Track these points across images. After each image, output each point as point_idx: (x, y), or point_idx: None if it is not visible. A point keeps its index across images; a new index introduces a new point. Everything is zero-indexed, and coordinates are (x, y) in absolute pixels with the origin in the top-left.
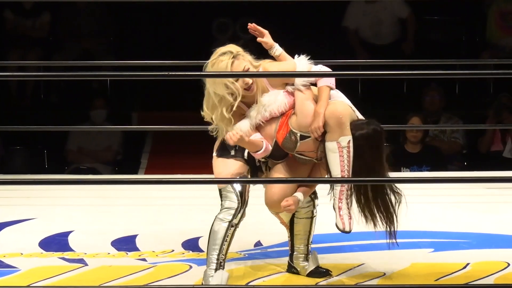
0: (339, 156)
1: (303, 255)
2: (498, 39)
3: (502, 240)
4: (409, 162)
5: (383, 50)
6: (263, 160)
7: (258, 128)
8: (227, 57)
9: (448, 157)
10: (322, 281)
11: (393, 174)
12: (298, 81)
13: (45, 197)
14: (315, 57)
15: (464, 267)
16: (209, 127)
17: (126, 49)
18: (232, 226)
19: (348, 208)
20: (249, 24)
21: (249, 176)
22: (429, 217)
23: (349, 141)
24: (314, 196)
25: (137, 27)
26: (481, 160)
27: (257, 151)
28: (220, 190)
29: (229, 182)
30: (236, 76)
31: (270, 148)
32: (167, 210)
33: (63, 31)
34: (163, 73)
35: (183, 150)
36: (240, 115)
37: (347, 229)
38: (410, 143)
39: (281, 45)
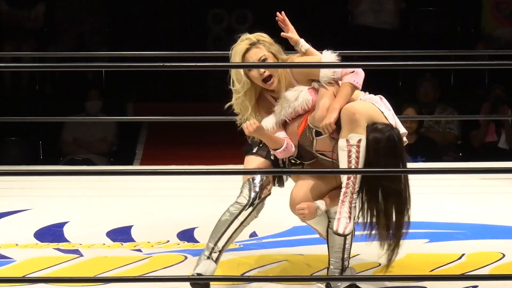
0: (347, 154)
1: (338, 270)
2: (493, 29)
3: (497, 231)
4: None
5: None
6: (293, 161)
7: (284, 126)
8: (245, 43)
9: (443, 148)
10: (318, 272)
11: None
12: (322, 77)
13: (40, 188)
14: (311, 46)
15: (459, 258)
16: (236, 118)
17: (121, 40)
18: (238, 220)
19: (350, 212)
20: (278, 13)
21: (271, 177)
22: (424, 207)
23: (360, 140)
24: None
25: (132, 18)
26: (476, 150)
27: (277, 149)
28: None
29: (222, 173)
30: (233, 67)
31: (293, 148)
32: (162, 201)
33: (58, 22)
34: (158, 64)
35: (178, 141)
36: (268, 110)
37: (340, 231)
38: None
39: (275, 37)
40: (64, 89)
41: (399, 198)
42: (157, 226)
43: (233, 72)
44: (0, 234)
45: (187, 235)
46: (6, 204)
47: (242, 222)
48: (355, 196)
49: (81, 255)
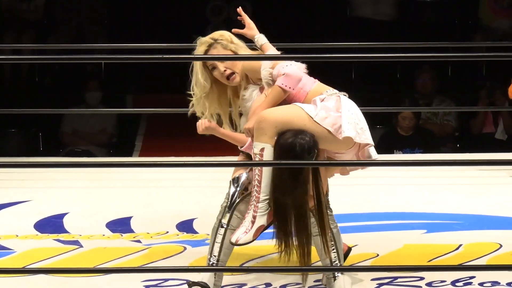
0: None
1: (331, 276)
2: (490, 21)
3: (494, 222)
4: (402, 144)
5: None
6: None
7: None
8: (203, 47)
9: (440, 139)
10: (316, 263)
11: (385, 157)
12: (263, 79)
13: (40, 179)
14: (310, 38)
15: (457, 248)
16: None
17: (121, 32)
18: (222, 226)
19: (252, 222)
20: (238, 10)
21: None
22: (422, 198)
23: (263, 149)
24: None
25: (131, 10)
26: (474, 142)
27: (242, 146)
28: None
29: (221, 165)
30: (224, 58)
31: None
32: (161, 192)
33: (57, 13)
34: (157, 56)
35: (177, 133)
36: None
37: (232, 240)
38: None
39: (274, 28)
40: (64, 81)
41: (298, 212)
42: (156, 217)
43: (193, 76)
44: (0, 225)
45: (186, 226)
46: (6, 195)
47: (227, 227)
48: (260, 205)
49: (81, 246)
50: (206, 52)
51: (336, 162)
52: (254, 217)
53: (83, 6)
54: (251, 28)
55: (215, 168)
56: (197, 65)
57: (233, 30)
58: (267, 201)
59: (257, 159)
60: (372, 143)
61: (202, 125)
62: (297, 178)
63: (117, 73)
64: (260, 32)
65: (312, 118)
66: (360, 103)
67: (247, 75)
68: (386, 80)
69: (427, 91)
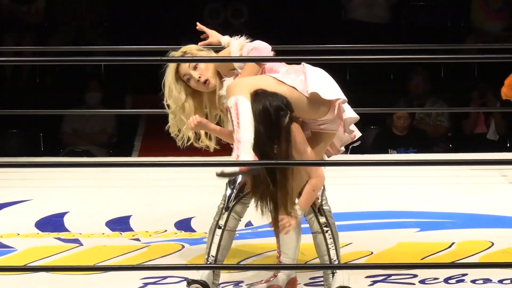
0: (230, 119)
1: (330, 273)
2: (482, 23)
3: (486, 220)
4: (396, 144)
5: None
6: None
7: None
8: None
9: (433, 139)
10: (312, 260)
11: (379, 157)
12: (236, 63)
13: (41, 179)
14: (305, 40)
15: (449, 246)
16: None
17: (120, 34)
18: (220, 227)
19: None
20: (198, 26)
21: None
22: (415, 197)
23: (236, 100)
24: (316, 208)
25: (130, 12)
26: (466, 142)
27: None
28: None
29: (220, 165)
30: (229, 60)
31: None
32: (160, 191)
33: (58, 16)
34: (155, 58)
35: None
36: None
37: (217, 172)
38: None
39: (269, 30)
40: (64, 82)
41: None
42: (155, 216)
43: (166, 91)
44: (1, 224)
45: (184, 225)
46: (8, 194)
47: (224, 228)
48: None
49: (81, 244)
50: (178, 66)
51: (331, 162)
52: (238, 156)
53: (83, 8)
54: (213, 35)
55: (213, 168)
56: (169, 78)
57: (200, 44)
58: (249, 144)
59: (232, 110)
60: (344, 98)
61: (193, 121)
62: (273, 138)
63: (117, 74)
64: (258, 34)
65: (279, 79)
66: (354, 104)
67: (219, 75)
68: (380, 81)
69: (420, 92)
